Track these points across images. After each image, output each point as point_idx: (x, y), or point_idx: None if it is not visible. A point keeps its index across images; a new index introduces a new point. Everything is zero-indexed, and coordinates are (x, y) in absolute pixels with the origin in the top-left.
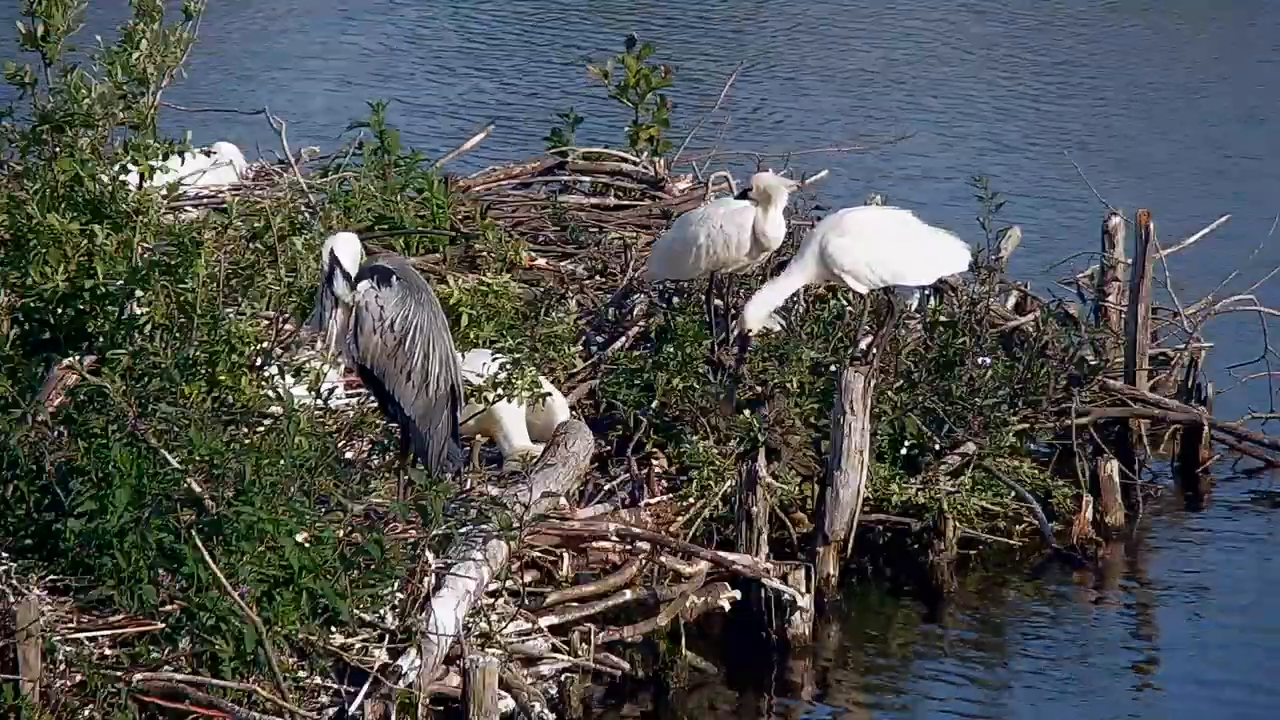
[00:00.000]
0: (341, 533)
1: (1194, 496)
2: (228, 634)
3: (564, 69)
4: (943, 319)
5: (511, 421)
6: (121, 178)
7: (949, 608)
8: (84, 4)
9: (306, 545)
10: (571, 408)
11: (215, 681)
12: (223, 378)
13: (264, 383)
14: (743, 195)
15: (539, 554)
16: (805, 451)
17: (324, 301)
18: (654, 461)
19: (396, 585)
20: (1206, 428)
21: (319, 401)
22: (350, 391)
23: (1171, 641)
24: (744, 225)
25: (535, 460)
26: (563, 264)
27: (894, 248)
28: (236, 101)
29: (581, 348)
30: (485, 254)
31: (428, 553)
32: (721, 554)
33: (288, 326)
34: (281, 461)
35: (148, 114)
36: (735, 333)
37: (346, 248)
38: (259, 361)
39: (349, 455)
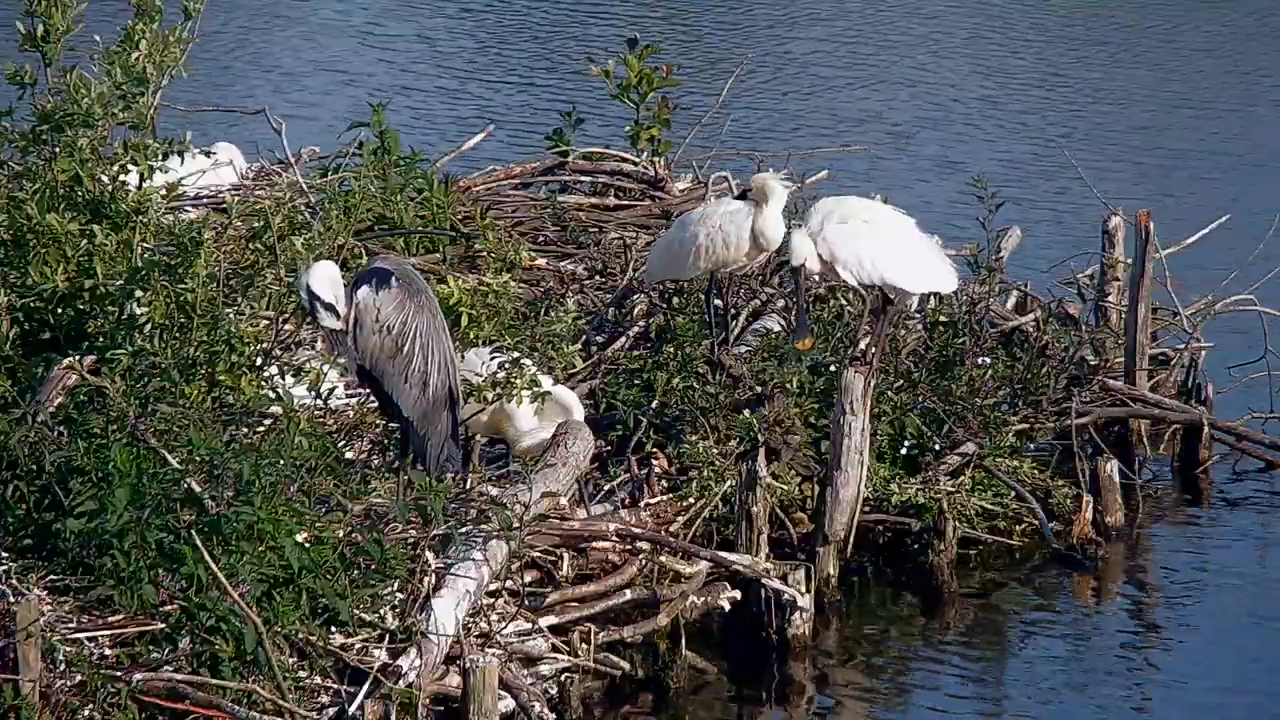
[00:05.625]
0: (341, 533)
1: (1194, 496)
2: (228, 634)
3: (564, 69)
4: (943, 319)
5: (521, 413)
6: (121, 178)
7: (949, 608)
8: (84, 4)
9: (306, 545)
10: None
11: (215, 681)
12: (223, 378)
13: (264, 383)
14: (742, 195)
15: (539, 554)
16: (805, 451)
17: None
18: (654, 461)
19: (396, 585)
20: (1206, 428)
21: (319, 401)
22: (350, 392)
23: (1171, 641)
24: (743, 225)
25: (535, 460)
26: (563, 264)
27: (890, 246)
28: (236, 101)
29: (581, 348)
30: (485, 254)
31: (428, 553)
32: (721, 554)
33: (288, 326)
34: (281, 461)
35: (147, 114)
36: (787, 269)
37: (322, 281)
38: (259, 361)
39: (349, 455)
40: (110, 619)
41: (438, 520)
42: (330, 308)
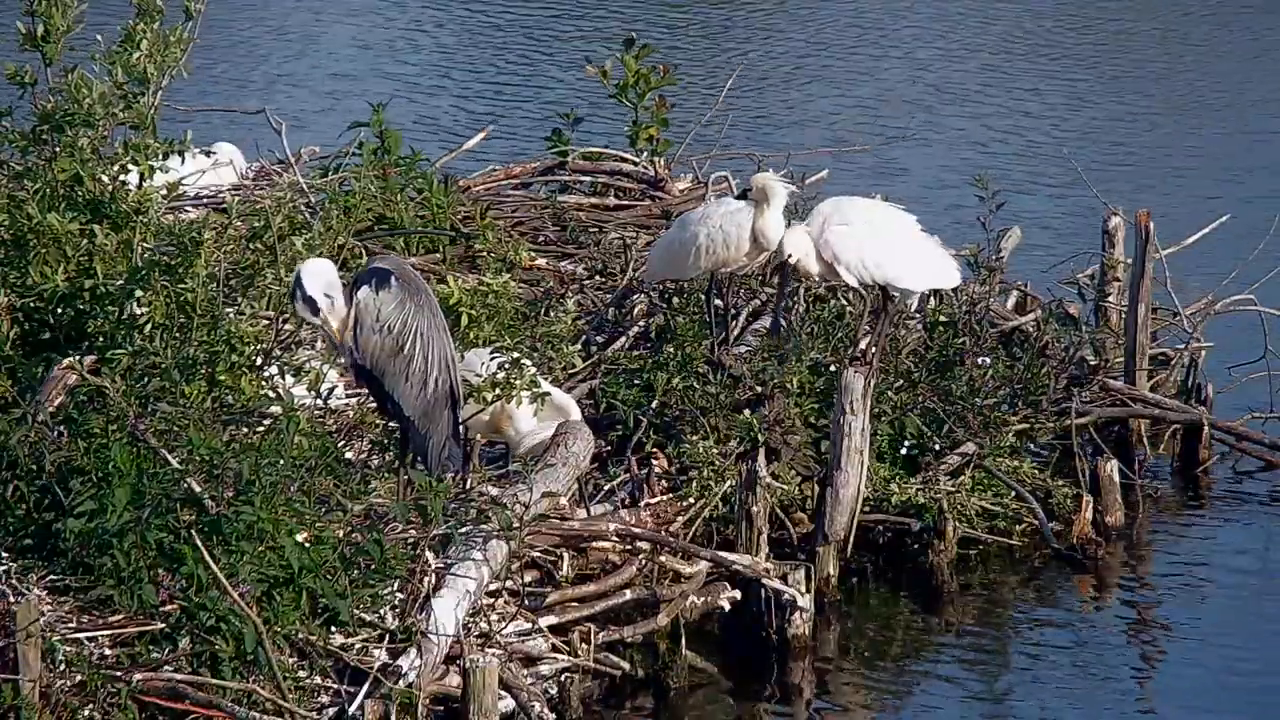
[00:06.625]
0: (341, 533)
1: (1194, 496)
2: (228, 634)
3: (564, 69)
4: (943, 319)
5: (522, 413)
6: (121, 178)
7: (949, 608)
8: (84, 4)
9: (306, 545)
10: None
11: (215, 681)
12: (223, 378)
13: (264, 383)
14: (742, 195)
15: (539, 554)
16: (805, 451)
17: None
18: (654, 461)
19: (396, 585)
20: (1206, 428)
21: (319, 401)
22: (350, 391)
23: (1171, 641)
24: (743, 225)
25: (535, 460)
26: (563, 264)
27: (891, 246)
28: (236, 101)
29: (581, 348)
30: (485, 254)
31: (428, 553)
32: (721, 554)
33: (288, 326)
34: (281, 461)
35: (148, 114)
36: (774, 262)
37: (313, 277)
38: (259, 361)
39: (349, 455)
40: (110, 619)
41: (438, 520)
42: (310, 301)
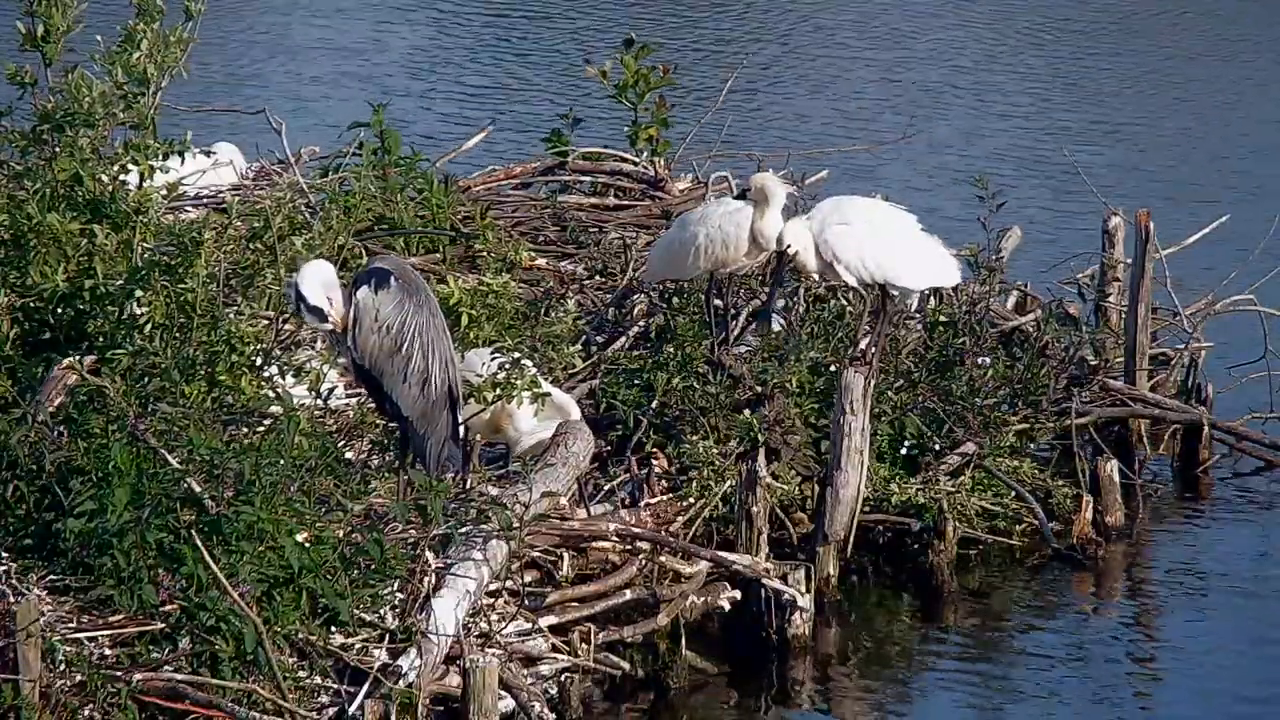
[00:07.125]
0: (341, 533)
1: (1194, 496)
2: (228, 634)
3: (564, 69)
4: (943, 319)
5: (522, 414)
6: (121, 178)
7: (949, 608)
8: (84, 4)
9: (306, 545)
10: None
11: (215, 681)
12: (223, 378)
13: (264, 383)
14: (741, 195)
15: (539, 554)
16: (805, 451)
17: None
18: (654, 461)
19: (396, 585)
20: (1206, 428)
21: (319, 401)
22: (350, 391)
23: (1171, 641)
24: (742, 225)
25: (535, 460)
26: (563, 264)
27: (891, 245)
28: (236, 101)
29: (581, 348)
30: (485, 254)
31: (428, 553)
32: (721, 554)
33: (288, 326)
34: (281, 461)
35: (148, 114)
36: (773, 251)
37: (312, 282)
38: (259, 361)
39: (349, 455)
40: (110, 619)
41: (438, 520)
42: (316, 310)
